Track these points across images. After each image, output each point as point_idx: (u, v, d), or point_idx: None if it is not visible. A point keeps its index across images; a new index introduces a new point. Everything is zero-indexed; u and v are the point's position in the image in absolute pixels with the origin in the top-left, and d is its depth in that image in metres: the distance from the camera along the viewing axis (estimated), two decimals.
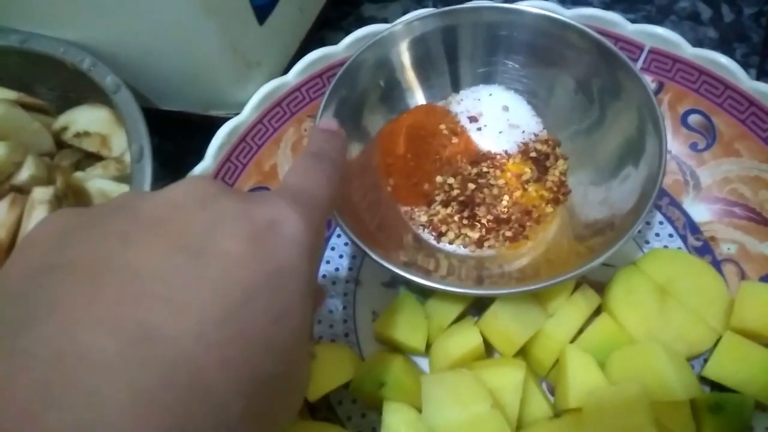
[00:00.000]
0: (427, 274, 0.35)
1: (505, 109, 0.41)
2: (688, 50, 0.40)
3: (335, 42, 0.41)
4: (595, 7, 0.51)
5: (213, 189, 0.22)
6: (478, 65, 0.42)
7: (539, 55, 0.40)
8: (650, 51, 0.41)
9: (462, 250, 0.39)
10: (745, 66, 0.49)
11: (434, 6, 0.54)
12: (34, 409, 0.16)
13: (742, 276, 0.37)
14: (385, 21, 0.44)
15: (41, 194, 0.30)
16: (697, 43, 0.50)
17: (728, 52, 0.50)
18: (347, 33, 0.41)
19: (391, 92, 0.41)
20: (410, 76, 0.41)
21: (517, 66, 0.41)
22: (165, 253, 0.19)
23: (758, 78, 0.48)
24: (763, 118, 0.38)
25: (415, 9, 0.46)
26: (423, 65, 0.41)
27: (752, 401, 0.31)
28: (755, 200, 0.39)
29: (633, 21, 0.41)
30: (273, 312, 0.20)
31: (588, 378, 0.32)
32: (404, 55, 0.40)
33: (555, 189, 0.39)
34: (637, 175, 0.35)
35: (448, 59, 0.41)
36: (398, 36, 0.40)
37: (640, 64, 0.42)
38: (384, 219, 0.39)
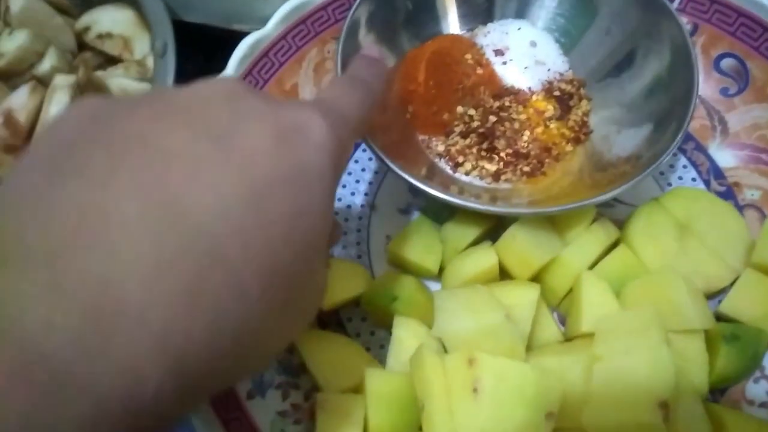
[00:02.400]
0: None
1: (533, 45, 0.40)
2: None
3: None
4: None
5: (242, 88, 0.22)
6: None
7: None
8: None
9: (478, 182, 0.38)
10: None
11: None
12: (51, 261, 0.16)
13: (764, 221, 0.37)
14: None
15: (63, 80, 0.30)
16: None
17: None
18: None
19: (422, 14, 0.40)
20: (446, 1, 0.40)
21: (553, 2, 0.40)
22: (192, 137, 0.19)
23: None
24: None
25: None
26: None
27: (767, 336, 0.31)
28: None
29: None
30: (295, 206, 0.20)
31: (602, 304, 0.31)
32: None
33: (576, 128, 0.38)
34: (663, 115, 0.35)
35: None
36: None
37: (675, 3, 0.41)
38: (401, 145, 0.38)
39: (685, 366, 0.30)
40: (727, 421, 0.28)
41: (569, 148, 0.38)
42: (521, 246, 0.33)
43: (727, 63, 0.40)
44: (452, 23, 0.41)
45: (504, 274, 0.34)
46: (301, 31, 0.41)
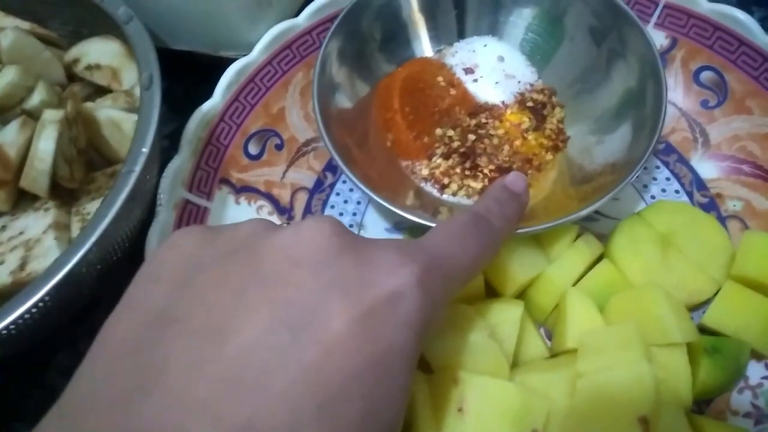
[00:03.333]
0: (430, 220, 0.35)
1: (500, 59, 0.41)
2: (703, 5, 0.40)
3: None
4: None
5: (337, 243, 0.20)
6: (483, 14, 0.42)
7: (543, 7, 0.40)
8: (665, 6, 0.41)
9: (465, 201, 0.39)
10: (763, 29, 0.48)
11: None
12: None
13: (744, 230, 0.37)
14: None
15: (51, 115, 0.31)
16: None
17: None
18: None
19: (393, 39, 0.41)
20: (416, 22, 0.41)
21: (520, 18, 0.41)
22: (269, 328, 0.18)
23: None
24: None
25: None
26: (428, 12, 0.41)
27: (748, 348, 0.31)
28: (764, 158, 0.38)
29: None
30: (373, 400, 0.19)
31: (586, 319, 0.32)
32: (411, 2, 0.40)
33: (553, 137, 0.39)
34: (636, 122, 0.36)
35: (455, 6, 0.41)
36: None
37: (654, 19, 0.42)
38: (385, 173, 0.39)
39: (669, 379, 0.30)
40: (709, 431, 0.29)
41: (549, 156, 0.39)
42: (505, 264, 0.33)
43: (706, 76, 0.41)
44: (424, 45, 0.42)
45: (490, 291, 0.35)
46: (287, 56, 0.41)
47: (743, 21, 0.38)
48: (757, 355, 0.33)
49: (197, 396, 0.17)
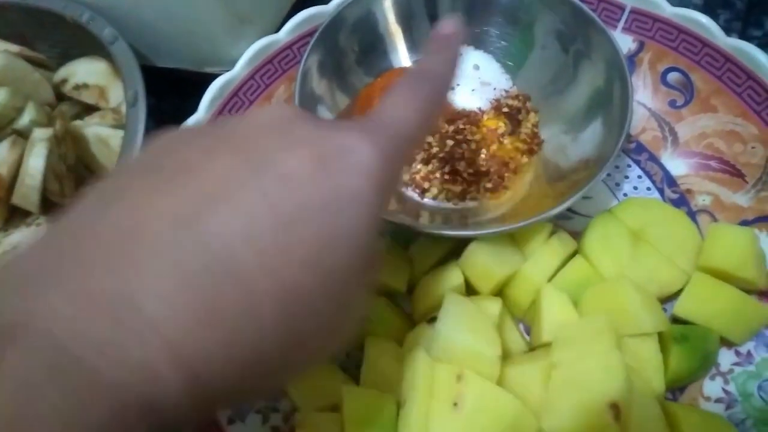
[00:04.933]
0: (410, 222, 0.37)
1: (476, 68, 0.43)
2: (667, 9, 0.41)
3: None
4: None
5: (297, 115, 0.22)
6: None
7: (514, 16, 0.42)
8: (631, 11, 0.43)
9: (446, 204, 0.40)
10: (728, 31, 0.50)
11: None
12: (83, 277, 0.18)
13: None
14: None
15: (41, 134, 0.32)
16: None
17: (713, 17, 0.51)
18: None
19: (371, 51, 0.42)
20: (392, 34, 0.43)
21: (492, 27, 0.43)
22: (231, 165, 0.20)
23: None
24: (738, 74, 0.40)
25: None
26: (403, 23, 0.43)
27: (716, 335, 0.33)
28: (730, 153, 0.40)
29: None
30: (325, 232, 0.20)
31: (561, 314, 0.33)
32: (387, 14, 0.42)
33: (529, 140, 0.41)
34: (605, 122, 0.37)
35: (429, 18, 0.43)
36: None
37: (621, 24, 0.43)
38: None
39: (641, 367, 0.31)
40: (681, 416, 0.30)
41: (525, 160, 0.41)
42: (482, 262, 0.35)
43: (673, 77, 0.42)
44: (402, 55, 0.43)
45: (470, 290, 0.36)
46: (269, 70, 0.43)
47: (705, 24, 0.40)
48: (727, 343, 0.34)
49: (156, 208, 0.19)
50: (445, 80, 0.27)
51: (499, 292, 0.36)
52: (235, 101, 0.42)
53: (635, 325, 0.32)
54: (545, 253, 0.35)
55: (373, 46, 0.42)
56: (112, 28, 0.37)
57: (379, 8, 0.41)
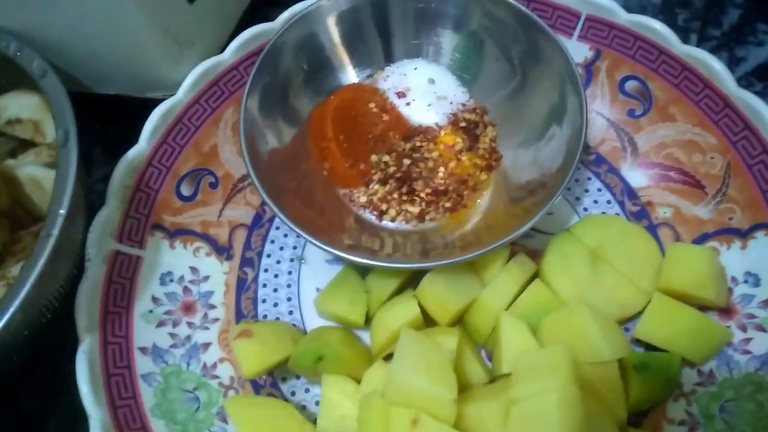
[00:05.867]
0: (372, 253, 0.36)
1: (431, 81, 0.42)
2: (622, 16, 0.40)
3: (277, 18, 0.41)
4: None
5: None
6: (407, 38, 0.42)
7: (465, 28, 0.41)
8: (586, 18, 0.42)
9: (404, 226, 0.39)
10: (687, 31, 0.49)
11: None
12: None
13: (677, 238, 0.38)
14: None
15: None
16: (641, 9, 0.50)
17: (671, 17, 0.51)
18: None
19: (319, 71, 0.41)
20: (339, 52, 0.41)
21: (443, 38, 0.42)
22: None
23: (699, 43, 0.48)
24: (695, 81, 0.39)
25: None
26: (351, 40, 0.41)
27: (679, 359, 0.32)
28: (689, 163, 0.39)
29: None
30: None
31: (520, 343, 0.32)
32: (332, 31, 0.40)
33: (487, 156, 0.40)
34: (562, 134, 0.36)
35: (378, 33, 0.41)
36: (323, 12, 0.39)
37: (577, 32, 0.42)
38: (323, 204, 0.39)
39: (602, 394, 0.31)
40: None
41: (484, 176, 0.40)
42: (439, 293, 0.34)
43: (630, 85, 0.41)
44: (350, 73, 0.42)
45: (427, 319, 0.35)
46: (215, 93, 0.41)
47: (660, 31, 0.39)
48: (690, 364, 0.34)
49: None
50: None
51: (460, 319, 0.35)
52: (180, 127, 0.40)
53: (595, 353, 0.31)
54: (504, 279, 0.35)
55: (321, 66, 0.41)
56: (41, 60, 0.35)
57: (323, 26, 0.40)
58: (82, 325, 0.33)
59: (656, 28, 0.39)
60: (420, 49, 0.42)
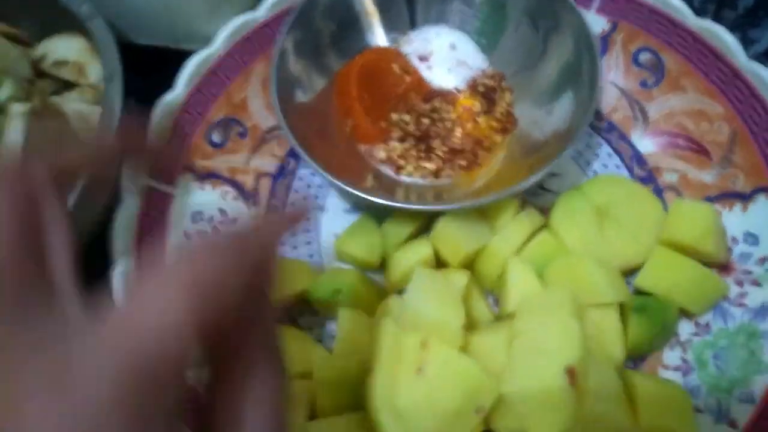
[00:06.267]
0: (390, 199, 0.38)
1: (453, 47, 0.44)
2: None
3: None
4: None
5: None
6: (432, 4, 0.44)
7: None
8: None
9: (421, 181, 0.41)
10: (703, 12, 0.51)
11: None
12: None
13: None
14: None
15: (18, 108, 0.33)
16: None
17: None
18: None
19: (347, 32, 0.43)
20: (367, 15, 0.43)
21: (467, 5, 0.44)
22: None
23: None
24: (706, 54, 0.40)
25: None
26: (380, 3, 0.43)
27: (675, 306, 0.34)
28: (697, 132, 0.41)
29: None
30: None
31: (526, 285, 0.34)
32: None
33: (503, 120, 0.42)
34: (575, 97, 0.38)
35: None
36: None
37: (595, 4, 0.44)
38: (345, 159, 0.41)
39: (602, 336, 0.33)
40: (637, 383, 0.31)
41: (499, 138, 0.42)
42: (452, 236, 0.36)
43: (644, 57, 0.43)
44: (378, 35, 0.44)
45: (440, 263, 0.37)
46: (247, 48, 0.43)
47: (675, 5, 0.41)
48: (687, 314, 0.35)
49: None
50: (260, 266, 0.20)
51: (469, 265, 0.37)
52: (213, 78, 0.42)
53: (597, 295, 0.33)
54: (513, 227, 0.36)
55: (350, 26, 0.43)
56: (89, 5, 0.37)
57: None
58: (118, 248, 0.35)
59: (672, 2, 0.41)
60: (443, 15, 0.44)
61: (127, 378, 0.16)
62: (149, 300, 0.17)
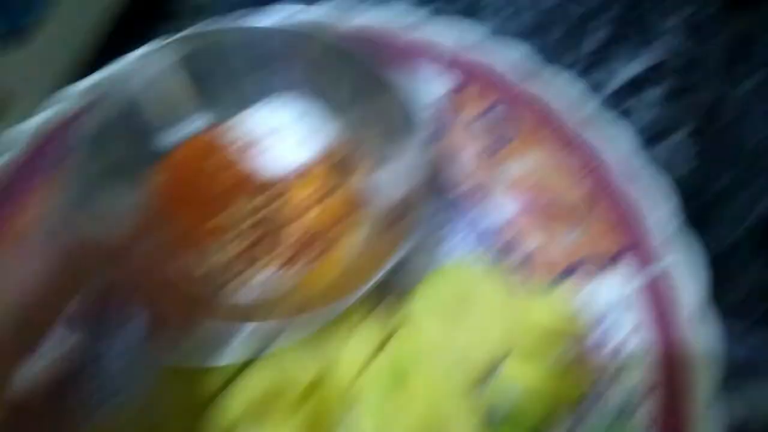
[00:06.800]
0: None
1: (288, 124, 0.39)
2: (485, 46, 0.39)
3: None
4: None
5: None
6: (250, 84, 0.39)
7: (293, 75, 0.39)
8: (448, 49, 0.40)
9: (269, 285, 0.37)
10: (557, 52, 0.48)
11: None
12: None
13: (545, 270, 0.36)
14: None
15: None
16: (512, 31, 0.49)
17: (542, 37, 0.49)
18: None
19: (153, 135, 0.37)
20: (179, 106, 0.38)
21: (291, 81, 0.39)
22: None
23: (568, 64, 0.47)
24: (556, 108, 0.38)
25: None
26: (175, 100, 0.38)
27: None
28: (554, 191, 0.38)
29: (450, 13, 0.40)
30: None
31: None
32: (150, 93, 0.37)
33: (358, 192, 0.38)
34: (414, 163, 0.35)
35: (224, 79, 0.39)
36: (135, 76, 0.36)
37: (438, 63, 0.40)
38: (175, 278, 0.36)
39: None
40: None
41: (354, 215, 0.38)
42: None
43: (493, 115, 0.40)
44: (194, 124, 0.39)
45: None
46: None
47: (521, 59, 0.38)
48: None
49: None
50: None
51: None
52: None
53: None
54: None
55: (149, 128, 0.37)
56: None
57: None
58: None
59: (516, 56, 0.38)
60: (268, 93, 0.40)
61: None
62: None
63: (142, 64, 0.36)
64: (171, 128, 0.38)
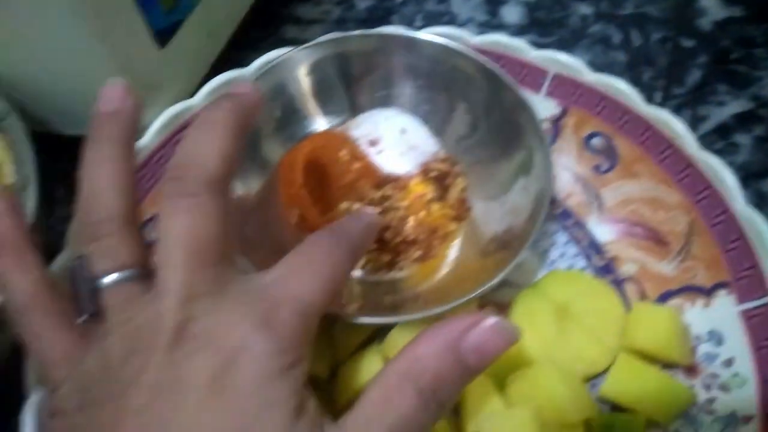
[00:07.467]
0: (340, 305, 0.35)
1: (403, 131, 0.42)
2: (588, 76, 0.41)
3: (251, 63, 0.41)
4: (509, 30, 0.52)
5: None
6: (377, 90, 0.42)
7: (434, 80, 0.41)
8: (554, 77, 0.42)
9: (373, 276, 0.39)
10: (652, 89, 0.51)
11: (355, 29, 0.53)
12: None
13: (643, 294, 0.38)
14: (306, 42, 0.43)
15: None
16: (607, 66, 0.52)
17: (636, 75, 0.52)
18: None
19: (289, 120, 0.41)
20: (308, 102, 0.41)
21: (413, 91, 0.42)
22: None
23: (664, 100, 0.50)
24: (658, 141, 0.40)
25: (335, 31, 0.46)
26: (321, 91, 0.41)
27: (643, 420, 0.32)
28: (654, 220, 0.40)
29: (546, 46, 0.42)
30: None
31: (485, 402, 0.32)
32: (302, 81, 0.40)
33: (457, 206, 0.40)
34: (529, 188, 0.37)
35: (346, 85, 0.42)
36: (295, 62, 0.40)
37: (544, 89, 0.43)
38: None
39: None
40: None
41: (453, 226, 0.40)
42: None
43: (596, 142, 0.42)
44: (320, 122, 0.42)
45: None
46: (181, 139, 0.40)
47: (625, 90, 0.40)
48: (654, 424, 0.33)
49: None
50: (358, 249, 0.26)
51: None
52: (146, 172, 0.39)
53: (560, 413, 0.31)
54: None
55: (290, 114, 0.41)
56: (3, 102, 0.34)
57: (294, 76, 0.40)
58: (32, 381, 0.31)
59: (620, 88, 0.40)
60: (391, 99, 0.43)
61: None
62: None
63: (279, 63, 0.40)
64: (299, 123, 0.41)
